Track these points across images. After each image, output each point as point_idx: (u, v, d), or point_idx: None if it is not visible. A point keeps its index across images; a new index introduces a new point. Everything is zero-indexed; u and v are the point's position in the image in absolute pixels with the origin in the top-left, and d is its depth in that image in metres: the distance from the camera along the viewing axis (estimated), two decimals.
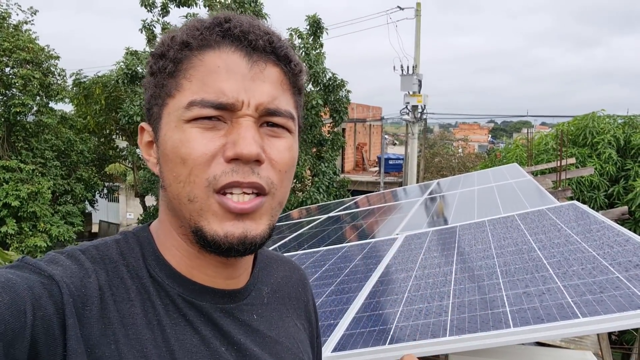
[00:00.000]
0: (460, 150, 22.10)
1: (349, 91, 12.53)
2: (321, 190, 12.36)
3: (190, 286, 0.62)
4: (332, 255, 2.84)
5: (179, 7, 12.63)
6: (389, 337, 1.53)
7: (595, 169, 8.81)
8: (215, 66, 0.57)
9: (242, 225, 0.58)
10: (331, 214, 5.22)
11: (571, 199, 4.71)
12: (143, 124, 0.66)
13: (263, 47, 0.59)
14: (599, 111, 9.94)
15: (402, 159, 20.40)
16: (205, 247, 0.59)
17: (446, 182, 6.33)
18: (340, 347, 1.56)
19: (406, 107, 16.64)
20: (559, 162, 6.41)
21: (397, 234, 3.16)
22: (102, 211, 18.11)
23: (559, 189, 5.09)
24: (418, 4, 17.08)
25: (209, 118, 0.57)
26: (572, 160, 8.24)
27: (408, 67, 16.53)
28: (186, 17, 12.51)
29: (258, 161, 0.57)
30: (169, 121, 0.59)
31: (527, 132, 11.30)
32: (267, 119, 0.59)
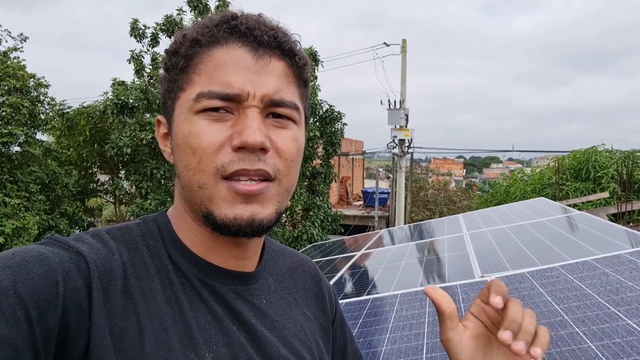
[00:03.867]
0: (452, 185, 22.16)
1: (345, 124, 12.40)
2: (316, 224, 12.06)
3: (204, 267, 0.65)
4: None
5: (170, 38, 12.41)
6: None
7: (599, 202, 8.78)
8: (222, 60, 0.60)
9: (250, 208, 0.60)
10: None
11: None
12: (159, 117, 0.69)
13: (268, 42, 0.62)
14: (599, 145, 10.00)
15: (388, 192, 20.33)
16: (215, 230, 0.62)
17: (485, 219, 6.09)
18: None
19: (393, 140, 16.69)
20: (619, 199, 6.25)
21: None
22: None
23: (631, 224, 4.89)
24: (404, 40, 17.38)
25: (217, 110, 0.60)
26: (606, 195, 8.16)
27: (395, 101, 16.65)
28: None
29: (264, 150, 0.59)
30: (180, 113, 0.62)
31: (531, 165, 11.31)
32: (272, 109, 0.62)
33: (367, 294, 3.07)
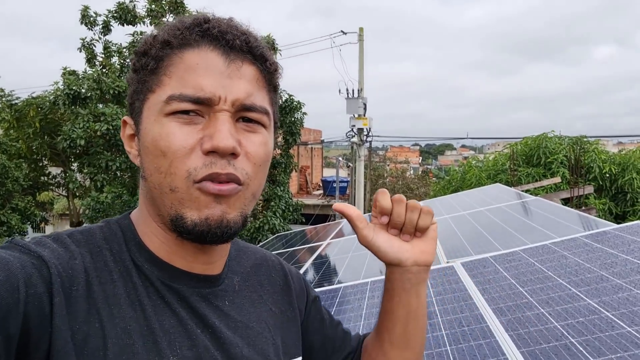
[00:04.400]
0: (409, 172, 22.53)
1: (305, 113, 12.40)
2: (278, 214, 12.06)
3: (169, 270, 0.65)
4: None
5: (123, 25, 12.04)
6: None
7: (550, 187, 9.16)
8: (194, 63, 0.61)
9: (220, 207, 0.60)
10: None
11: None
12: (125, 118, 0.68)
13: (240, 46, 0.62)
14: (549, 132, 10.41)
15: (347, 181, 20.50)
16: (183, 234, 0.61)
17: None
18: None
19: (352, 129, 16.80)
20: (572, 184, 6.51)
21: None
22: None
23: (583, 208, 5.13)
24: (361, 29, 17.46)
25: (187, 112, 0.60)
26: (558, 180, 8.50)
27: (353, 90, 16.74)
28: (133, 35, 12.00)
29: (234, 154, 0.60)
30: (149, 115, 0.62)
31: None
32: (242, 114, 0.62)
33: (337, 283, 3.12)
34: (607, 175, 9.62)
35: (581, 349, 1.40)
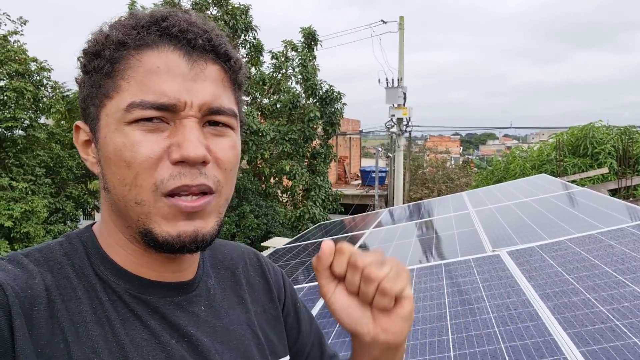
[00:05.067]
0: (450, 163, 22.30)
1: (344, 104, 12.48)
2: (317, 204, 12.22)
3: (136, 282, 0.62)
4: None
5: None
6: None
7: (597, 178, 8.97)
8: (154, 66, 0.57)
9: (193, 224, 0.58)
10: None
11: None
12: (79, 123, 0.64)
13: (202, 45, 0.59)
14: (597, 122, 10.15)
15: (385, 171, 20.46)
16: (154, 248, 0.59)
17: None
18: None
19: (391, 119, 16.74)
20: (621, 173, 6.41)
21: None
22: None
23: (631, 199, 5.07)
24: (401, 17, 17.28)
25: (151, 120, 0.56)
26: (605, 170, 8.34)
27: (393, 79, 16.65)
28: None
29: (204, 162, 0.57)
30: (109, 123, 0.58)
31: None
32: (210, 118, 0.59)
33: None
34: None
35: (625, 330, 1.47)
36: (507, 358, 1.50)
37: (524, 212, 4.10)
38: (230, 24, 12.21)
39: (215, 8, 12.38)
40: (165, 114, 0.57)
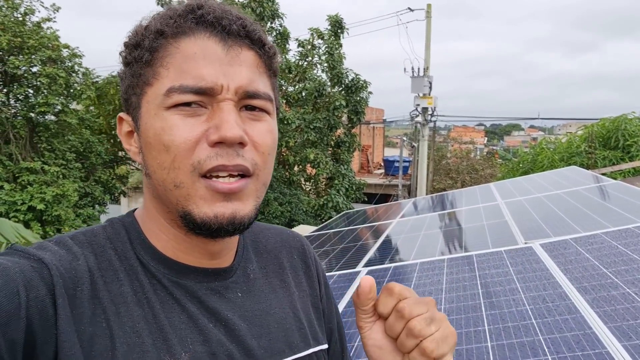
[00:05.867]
0: (474, 153, 22.04)
1: (370, 93, 12.43)
2: (341, 193, 12.25)
3: (175, 267, 0.63)
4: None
5: None
6: None
7: (629, 171, 8.76)
8: (192, 52, 0.58)
9: (231, 205, 0.59)
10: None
11: None
12: (122, 114, 0.66)
13: (237, 31, 0.60)
14: (629, 113, 9.89)
15: (409, 161, 20.34)
16: (194, 230, 0.60)
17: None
18: None
19: (416, 109, 16.59)
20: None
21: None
22: (108, 214, 17.77)
23: None
24: (429, 5, 17.04)
25: (189, 104, 0.58)
26: (639, 163, 8.16)
27: (418, 68, 16.47)
28: None
29: (241, 144, 0.58)
30: (149, 109, 0.59)
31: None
32: (246, 102, 0.60)
33: (413, 259, 3.24)
34: None
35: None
36: (546, 350, 1.50)
37: (555, 204, 4.04)
38: (257, 11, 12.22)
39: None
40: (203, 98, 0.58)
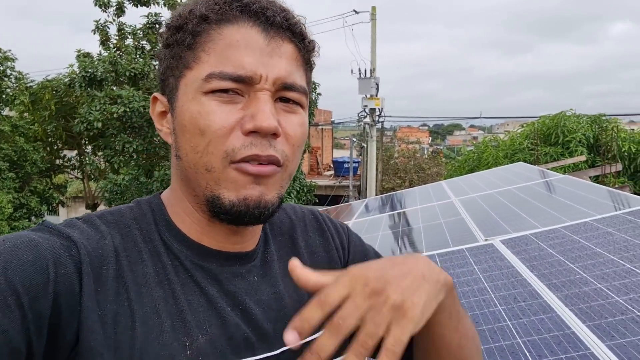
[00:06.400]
0: (419, 153, 22.47)
1: (319, 94, 12.36)
2: (292, 195, 12.11)
3: (198, 249, 0.64)
4: None
5: (137, 7, 11.98)
6: None
7: (569, 167, 9.11)
8: (234, 40, 0.59)
9: (258, 188, 0.59)
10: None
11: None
12: (156, 94, 0.67)
13: (280, 23, 0.61)
14: (567, 111, 10.31)
15: (358, 162, 20.46)
16: (220, 215, 0.60)
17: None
18: None
19: (364, 109, 16.71)
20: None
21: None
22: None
23: (617, 186, 5.10)
24: (373, 8, 17.22)
25: (227, 91, 0.58)
26: (583, 158, 8.45)
27: (365, 70, 16.59)
28: (147, 16, 11.94)
29: (275, 135, 0.59)
30: (187, 92, 0.60)
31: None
32: (282, 94, 0.61)
33: None
34: (626, 154, 9.54)
35: None
36: (527, 354, 1.43)
37: (508, 200, 4.07)
38: None
39: None
40: (241, 86, 0.59)
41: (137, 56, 11.79)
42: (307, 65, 0.66)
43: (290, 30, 0.62)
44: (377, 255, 0.83)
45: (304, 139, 0.65)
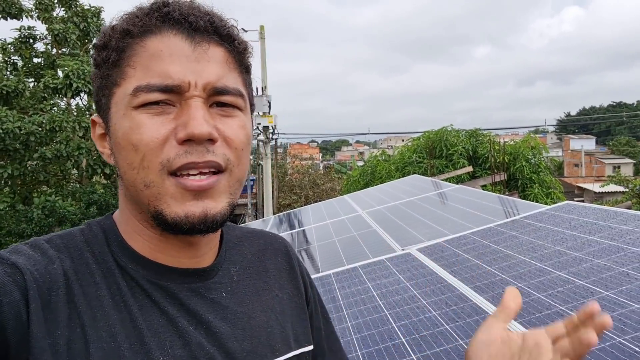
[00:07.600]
0: (312, 169, 22.88)
1: None
2: None
3: (154, 268, 0.63)
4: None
5: (7, 20, 10.97)
6: None
7: (454, 178, 9.86)
8: (157, 50, 0.58)
9: (201, 204, 0.59)
10: None
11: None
12: (94, 117, 0.66)
13: (205, 27, 0.61)
14: (448, 126, 11.17)
15: (254, 179, 20.39)
16: (167, 230, 0.60)
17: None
18: None
19: (257, 127, 16.75)
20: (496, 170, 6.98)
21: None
22: None
23: (507, 193, 5.54)
24: (261, 27, 17.41)
25: (157, 103, 0.58)
26: (470, 169, 9.09)
27: (257, 88, 16.67)
28: (19, 30, 10.98)
29: (211, 140, 0.58)
30: (118, 110, 0.60)
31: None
32: (216, 98, 0.60)
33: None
34: (500, 164, 10.55)
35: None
36: None
37: (414, 210, 4.30)
38: (81, 27, 11.23)
39: (62, 9, 11.29)
40: (171, 96, 0.58)
41: (9, 73, 10.78)
42: (242, 66, 0.65)
43: (217, 34, 0.61)
44: (321, 301, 0.87)
45: (249, 142, 0.63)
